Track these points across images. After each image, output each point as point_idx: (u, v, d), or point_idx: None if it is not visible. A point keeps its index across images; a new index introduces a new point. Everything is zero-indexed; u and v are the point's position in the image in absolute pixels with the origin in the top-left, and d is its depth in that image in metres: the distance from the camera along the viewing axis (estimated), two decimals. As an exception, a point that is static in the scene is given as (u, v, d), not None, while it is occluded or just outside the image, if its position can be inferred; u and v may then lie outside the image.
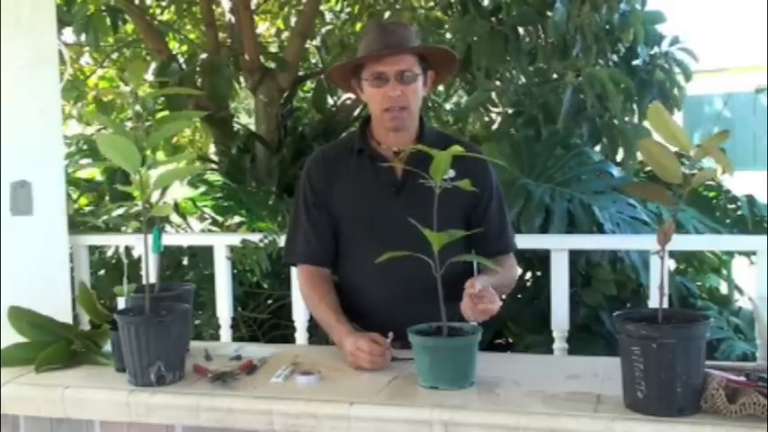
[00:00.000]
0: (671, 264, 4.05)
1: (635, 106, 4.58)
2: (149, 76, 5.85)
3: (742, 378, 1.49)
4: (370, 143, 2.13)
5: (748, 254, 3.89)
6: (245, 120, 8.13)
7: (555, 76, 4.56)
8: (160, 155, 5.92)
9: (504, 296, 2.17)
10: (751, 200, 4.38)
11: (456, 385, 1.68)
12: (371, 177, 2.10)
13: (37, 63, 3.24)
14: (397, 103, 2.02)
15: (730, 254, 4.32)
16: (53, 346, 1.91)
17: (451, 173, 2.02)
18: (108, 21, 5.66)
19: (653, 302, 3.14)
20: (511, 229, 2.22)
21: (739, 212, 4.38)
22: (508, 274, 2.16)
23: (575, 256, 3.56)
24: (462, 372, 1.70)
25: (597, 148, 4.39)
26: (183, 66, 5.76)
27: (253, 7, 6.01)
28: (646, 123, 4.47)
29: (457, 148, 1.71)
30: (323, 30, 6.72)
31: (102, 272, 4.66)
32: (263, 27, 7.28)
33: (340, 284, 2.20)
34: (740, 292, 4.42)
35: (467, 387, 1.68)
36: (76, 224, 4.31)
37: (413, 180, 2.04)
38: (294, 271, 2.46)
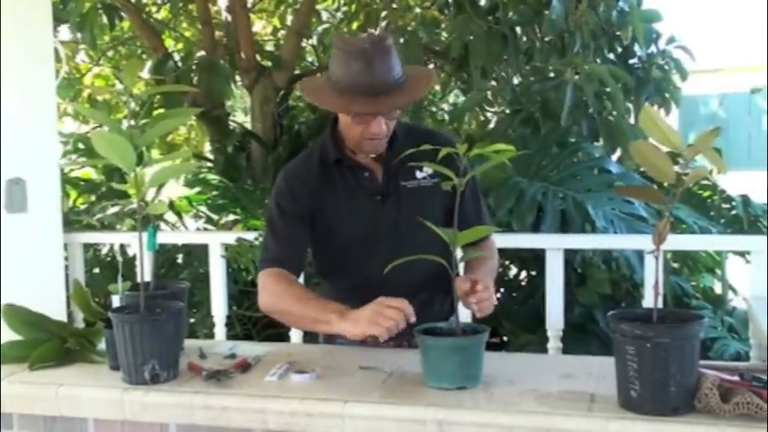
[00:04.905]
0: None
1: (631, 106, 4.60)
2: (145, 74, 5.85)
3: (736, 377, 1.49)
4: (345, 152, 2.07)
5: (743, 254, 3.90)
6: (240, 118, 8.13)
7: (552, 74, 4.57)
8: (155, 153, 5.93)
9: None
10: (746, 200, 4.40)
11: (479, 382, 1.66)
12: (356, 187, 2.06)
13: (32, 61, 3.24)
14: (381, 135, 1.97)
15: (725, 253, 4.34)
16: (47, 344, 1.91)
17: (429, 169, 2.02)
18: (104, 18, 5.66)
19: (647, 302, 3.15)
20: (487, 214, 2.19)
21: (734, 212, 4.39)
22: (493, 262, 2.14)
23: (569, 254, 3.57)
24: (481, 368, 1.69)
25: (596, 145, 4.40)
26: (179, 64, 5.75)
27: (249, 5, 6.00)
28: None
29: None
30: (319, 28, 6.73)
31: (97, 270, 4.66)
32: (259, 25, 7.27)
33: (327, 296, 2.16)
34: (734, 291, 4.44)
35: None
36: (71, 222, 4.31)
37: (396, 183, 2.05)
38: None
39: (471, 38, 4.55)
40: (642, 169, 4.39)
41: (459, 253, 1.94)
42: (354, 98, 1.89)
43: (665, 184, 1.53)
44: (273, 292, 2.01)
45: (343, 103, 1.92)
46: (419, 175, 2.06)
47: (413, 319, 1.76)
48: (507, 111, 4.86)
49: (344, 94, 1.90)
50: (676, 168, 1.49)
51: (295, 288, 2.01)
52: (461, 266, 2.02)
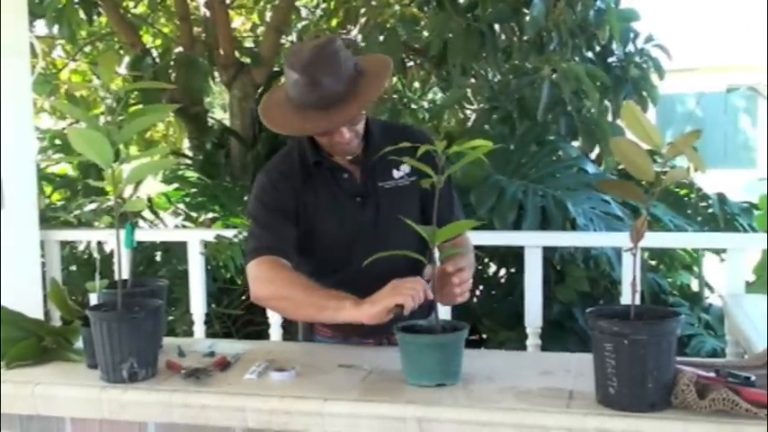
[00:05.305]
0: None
1: (609, 104, 4.63)
2: (123, 70, 5.81)
3: (712, 374, 1.51)
4: (323, 154, 2.03)
5: (718, 251, 3.94)
6: (219, 115, 8.08)
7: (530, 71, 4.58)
8: (133, 150, 5.89)
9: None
10: (722, 198, 4.44)
11: (459, 379, 1.67)
12: (336, 189, 2.04)
13: (8, 56, 3.20)
14: (345, 143, 1.95)
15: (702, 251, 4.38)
16: (24, 343, 1.89)
17: (406, 168, 2.02)
18: (82, 13, 5.61)
19: (625, 299, 3.17)
20: (461, 211, 2.18)
21: (710, 210, 4.43)
22: (470, 256, 2.13)
23: (548, 252, 3.59)
24: (460, 365, 1.69)
25: (575, 143, 4.42)
26: (157, 60, 5.71)
27: (228, 1, 5.97)
28: (619, 120, 4.52)
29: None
30: (298, 25, 6.70)
31: (74, 267, 4.62)
32: (238, 21, 7.24)
33: None
34: (711, 289, 4.48)
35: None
36: (48, 219, 4.27)
37: (374, 184, 2.04)
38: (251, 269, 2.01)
39: (450, 35, 4.55)
40: (620, 167, 4.43)
41: (436, 252, 1.94)
42: (307, 115, 1.85)
43: (644, 182, 1.54)
44: (269, 279, 1.94)
45: (297, 123, 1.88)
46: (396, 174, 2.05)
47: (430, 296, 1.76)
48: (486, 108, 4.87)
49: (299, 111, 1.86)
50: (654, 167, 1.50)
51: (294, 274, 1.94)
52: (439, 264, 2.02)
